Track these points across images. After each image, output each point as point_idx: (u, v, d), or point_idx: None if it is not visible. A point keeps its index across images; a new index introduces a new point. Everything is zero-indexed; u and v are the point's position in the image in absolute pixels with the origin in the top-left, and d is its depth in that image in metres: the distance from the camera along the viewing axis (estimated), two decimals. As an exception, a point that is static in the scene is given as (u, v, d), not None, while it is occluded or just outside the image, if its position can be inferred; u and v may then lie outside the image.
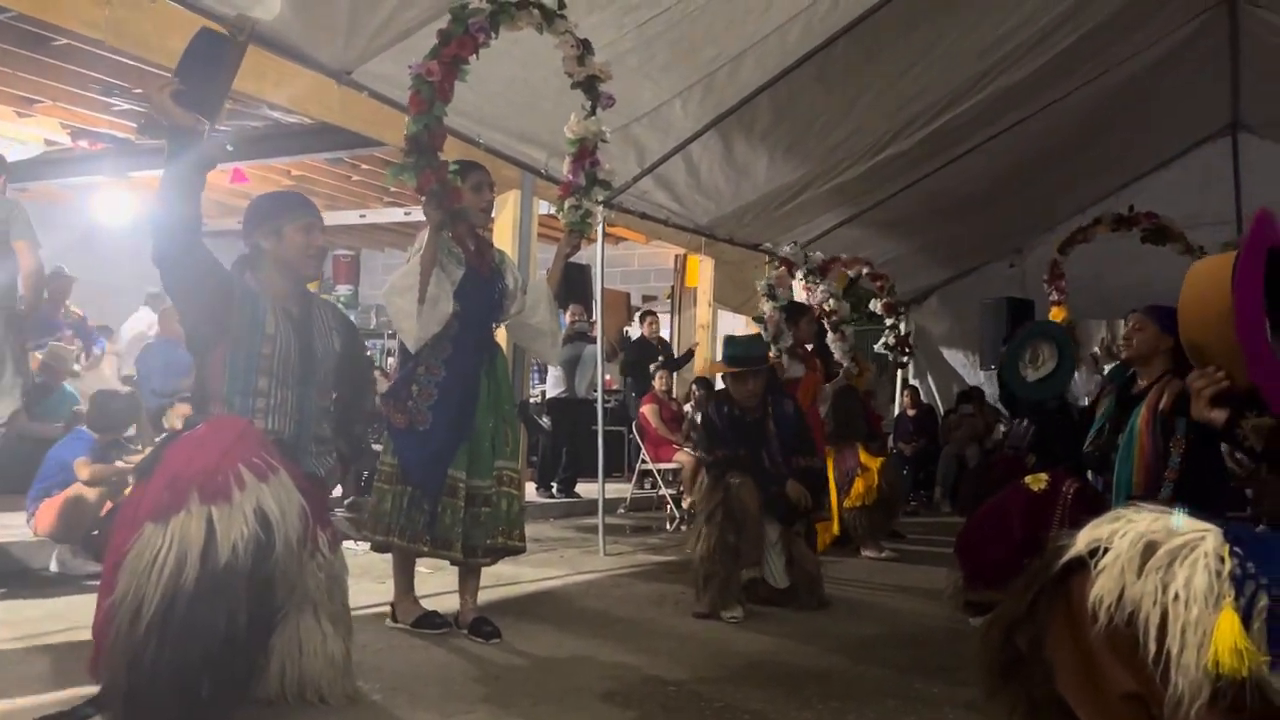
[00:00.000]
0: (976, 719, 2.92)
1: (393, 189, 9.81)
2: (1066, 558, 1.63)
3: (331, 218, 10.47)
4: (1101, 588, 1.52)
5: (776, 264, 6.94)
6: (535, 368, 10.62)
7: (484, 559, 3.80)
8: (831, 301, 7.06)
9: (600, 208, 4.18)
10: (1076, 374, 9.01)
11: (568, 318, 8.78)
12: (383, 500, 3.73)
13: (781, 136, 6.26)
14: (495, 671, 3.32)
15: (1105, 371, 7.31)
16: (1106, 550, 1.56)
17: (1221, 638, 1.40)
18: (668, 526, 7.60)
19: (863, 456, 6.47)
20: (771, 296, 6.57)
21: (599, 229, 6.63)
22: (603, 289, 7.15)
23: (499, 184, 7.45)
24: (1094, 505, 3.99)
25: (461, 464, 3.69)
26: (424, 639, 3.69)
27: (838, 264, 7.36)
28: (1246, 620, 1.41)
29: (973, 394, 10.07)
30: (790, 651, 3.71)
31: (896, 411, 10.34)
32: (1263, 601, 1.41)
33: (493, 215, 5.98)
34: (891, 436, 9.58)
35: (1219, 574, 1.45)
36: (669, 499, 7.99)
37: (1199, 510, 4.27)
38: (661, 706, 2.94)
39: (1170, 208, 8.39)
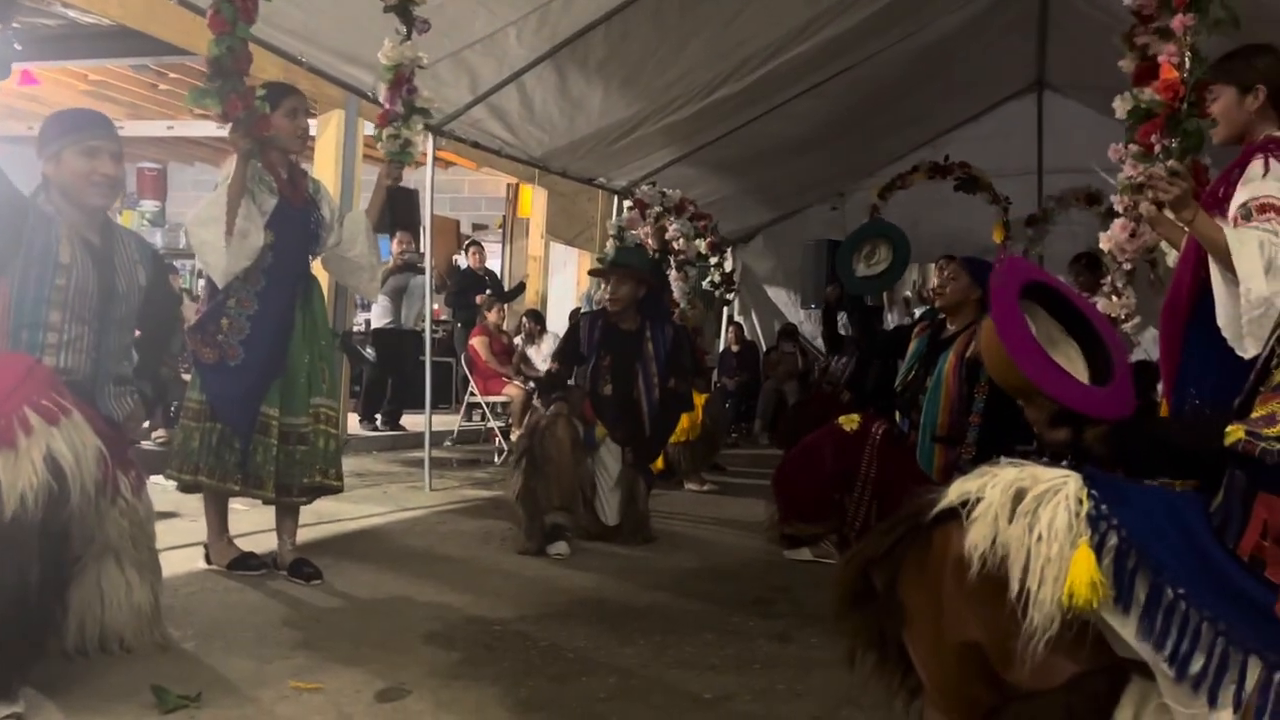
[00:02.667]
0: (786, 648, 3.09)
1: (205, 101, 9.18)
2: (937, 509, 1.70)
3: (135, 128, 9.74)
4: (976, 535, 1.59)
5: (631, 205, 6.95)
6: (359, 297, 10.29)
7: (299, 498, 3.70)
8: (682, 240, 7.15)
9: (421, 137, 4.06)
10: (889, 315, 9.52)
11: (395, 246, 8.53)
12: (190, 438, 3.57)
13: (615, 72, 6.20)
14: (315, 614, 3.27)
15: (916, 315, 7.72)
16: (979, 501, 1.63)
17: (1077, 572, 1.50)
18: (496, 460, 7.58)
19: (687, 392, 6.61)
20: (620, 239, 6.59)
21: (429, 154, 6.44)
22: (432, 216, 6.96)
23: (322, 103, 7.17)
24: (900, 445, 4.26)
25: (275, 400, 3.59)
26: (240, 581, 3.59)
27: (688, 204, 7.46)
28: (1098, 558, 1.52)
29: (793, 332, 10.44)
30: (614, 588, 3.81)
31: (721, 347, 10.61)
32: (1113, 541, 1.52)
33: (310, 139, 5.73)
34: (716, 371, 9.84)
35: (1077, 514, 1.55)
36: (498, 431, 7.98)
37: (999, 447, 4.60)
38: (485, 647, 2.97)
39: (980, 158, 8.85)
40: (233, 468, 3.54)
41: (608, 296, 4.80)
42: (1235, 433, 1.52)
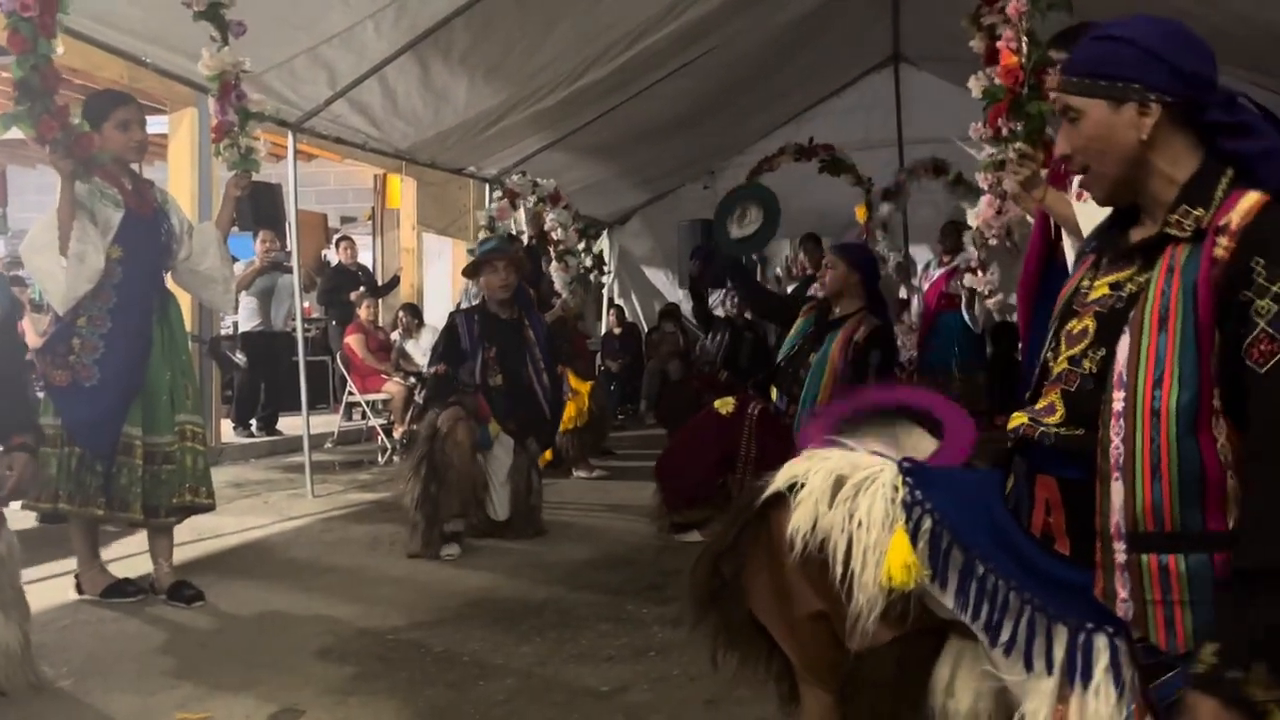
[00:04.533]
0: (680, 633, 3.12)
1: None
2: (768, 493, 1.77)
3: (-34, 132, 9.14)
4: (798, 519, 1.68)
5: (500, 195, 6.89)
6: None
7: (168, 519, 3.59)
8: (559, 230, 7.14)
9: (261, 143, 3.95)
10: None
11: (260, 246, 8.25)
12: (46, 465, 3.39)
13: (480, 61, 6.12)
14: (199, 639, 3.18)
15: (789, 291, 7.88)
16: (804, 485, 1.71)
17: (893, 556, 1.60)
18: (379, 459, 7.45)
19: (572, 381, 6.63)
20: (491, 229, 6.54)
21: (289, 149, 6.27)
22: (297, 211, 6.77)
23: (173, 101, 6.87)
24: (776, 423, 4.39)
25: (137, 420, 3.47)
26: (116, 610, 3.46)
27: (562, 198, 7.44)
28: (914, 540, 1.61)
29: (674, 311, 10.55)
30: (507, 585, 3.80)
31: (603, 330, 10.65)
32: (927, 524, 1.62)
33: (161, 139, 5.46)
34: (599, 354, 9.88)
35: (893, 501, 1.65)
36: (380, 430, 7.83)
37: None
38: (380, 659, 2.94)
39: (843, 132, 9.10)
40: (95, 492, 3.41)
41: (499, 284, 4.75)
42: (1018, 419, 1.65)
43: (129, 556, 3.95)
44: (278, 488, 6.18)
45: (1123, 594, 1.47)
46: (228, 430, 8.00)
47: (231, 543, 4.59)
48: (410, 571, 4.03)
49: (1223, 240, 1.43)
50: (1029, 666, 1.53)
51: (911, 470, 1.69)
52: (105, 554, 3.72)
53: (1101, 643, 1.48)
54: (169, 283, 3.76)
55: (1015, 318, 8.28)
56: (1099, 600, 1.49)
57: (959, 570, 1.59)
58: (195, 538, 4.37)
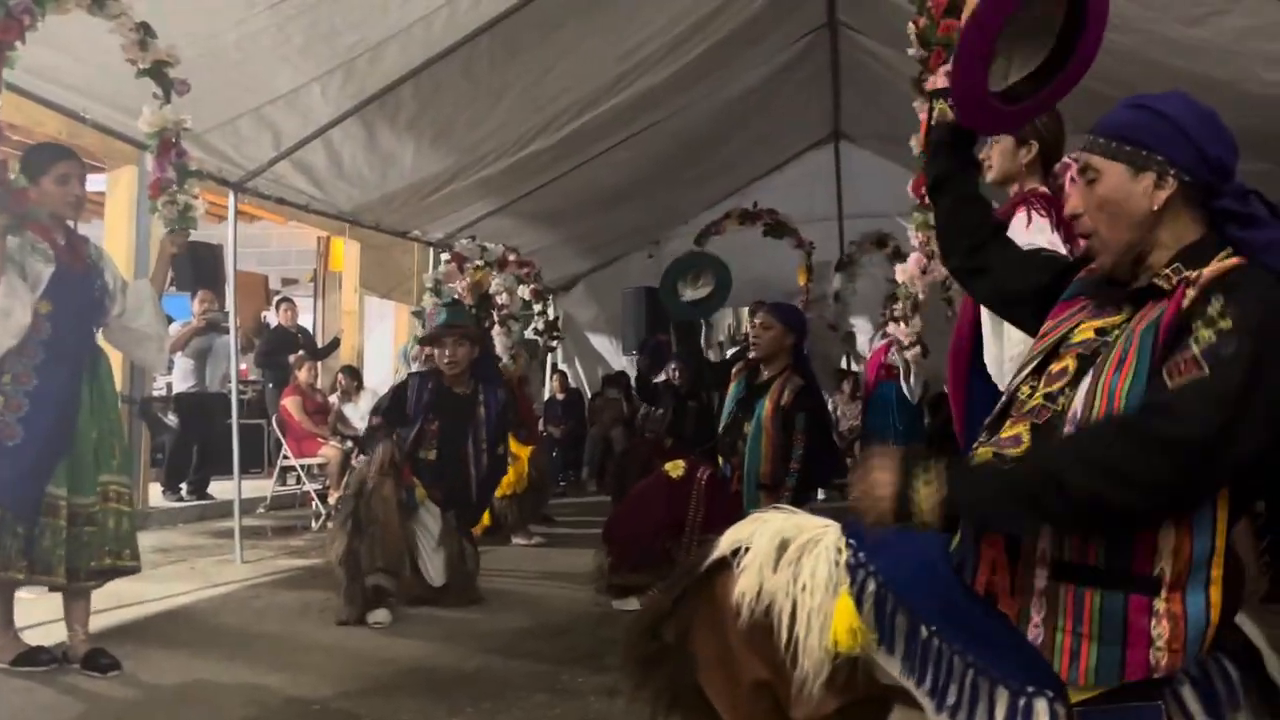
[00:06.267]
0: (617, 703, 3.08)
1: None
2: (712, 558, 1.75)
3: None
4: (744, 584, 1.67)
5: (448, 259, 6.90)
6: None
7: (89, 582, 3.45)
8: (505, 295, 7.15)
9: (199, 201, 3.92)
10: (707, 356, 9.75)
11: (197, 305, 8.13)
12: None
13: (426, 127, 6.15)
14: (115, 710, 3.04)
15: (729, 355, 7.97)
16: (748, 549, 1.69)
17: (839, 620, 1.59)
18: (313, 525, 7.27)
19: (513, 446, 6.55)
20: (436, 293, 6.53)
21: (230, 209, 6.22)
22: (236, 272, 6.68)
23: (112, 159, 6.79)
24: (724, 489, 4.38)
25: (62, 480, 3.35)
26: (27, 680, 3.29)
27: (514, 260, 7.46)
28: (859, 604, 1.60)
29: (618, 378, 10.55)
30: (441, 654, 3.71)
31: (546, 396, 10.61)
32: (871, 587, 1.62)
33: (99, 195, 5.37)
34: (542, 420, 9.81)
35: (837, 564, 1.64)
36: (314, 495, 7.66)
37: (818, 486, 4.75)
38: (306, 730, 2.84)
39: (786, 205, 9.28)
40: (15, 555, 3.27)
41: (445, 360, 4.74)
42: (984, 454, 1.64)
43: (43, 624, 3.78)
44: (205, 553, 5.99)
45: (1036, 619, 1.50)
46: (155, 494, 7.77)
47: (154, 610, 4.42)
48: (340, 639, 3.92)
49: (1190, 291, 1.47)
50: None
51: (855, 532, 1.69)
52: (17, 619, 3.55)
53: (1041, 706, 1.49)
54: (100, 340, 3.68)
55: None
56: (1026, 639, 1.50)
57: (904, 634, 1.58)
58: (116, 604, 4.20)
